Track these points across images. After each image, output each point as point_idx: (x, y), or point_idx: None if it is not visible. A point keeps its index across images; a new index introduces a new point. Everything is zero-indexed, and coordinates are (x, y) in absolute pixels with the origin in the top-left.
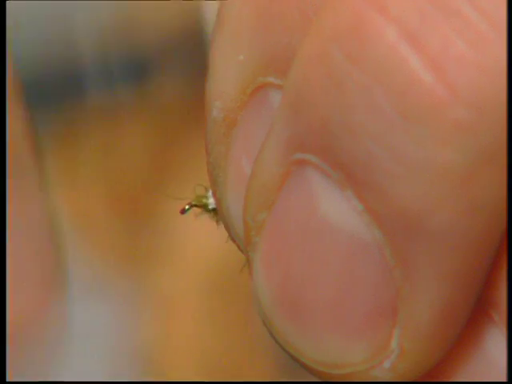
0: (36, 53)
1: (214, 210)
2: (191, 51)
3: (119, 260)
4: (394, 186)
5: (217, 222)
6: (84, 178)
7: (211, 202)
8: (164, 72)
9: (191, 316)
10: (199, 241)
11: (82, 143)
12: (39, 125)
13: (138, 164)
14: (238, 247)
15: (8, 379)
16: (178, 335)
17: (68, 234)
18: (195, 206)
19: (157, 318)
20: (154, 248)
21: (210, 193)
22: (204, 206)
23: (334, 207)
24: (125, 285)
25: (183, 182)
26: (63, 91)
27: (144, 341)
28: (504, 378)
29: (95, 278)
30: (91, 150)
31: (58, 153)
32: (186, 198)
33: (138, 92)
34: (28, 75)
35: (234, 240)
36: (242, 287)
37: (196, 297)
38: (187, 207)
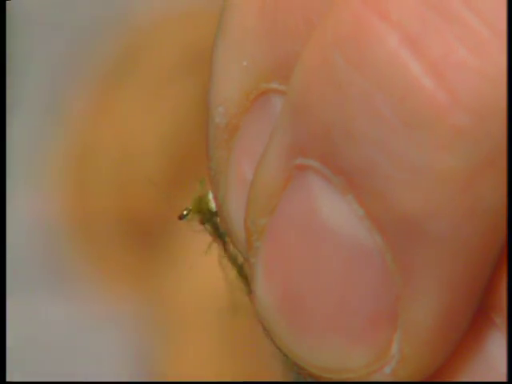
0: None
1: (214, 214)
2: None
3: (130, 278)
4: (394, 191)
5: (215, 229)
6: (94, 190)
7: (211, 205)
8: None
9: (203, 334)
10: (212, 260)
11: (95, 153)
12: (51, 125)
13: (151, 177)
14: (240, 253)
15: (8, 379)
16: (190, 353)
17: (76, 249)
18: (193, 211)
19: (168, 337)
20: (166, 261)
21: (210, 195)
22: (202, 211)
23: (335, 212)
24: (135, 304)
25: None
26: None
27: (155, 359)
28: (504, 380)
29: (104, 296)
30: (102, 161)
31: (69, 165)
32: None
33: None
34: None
35: (235, 245)
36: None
37: (208, 315)
38: (185, 213)
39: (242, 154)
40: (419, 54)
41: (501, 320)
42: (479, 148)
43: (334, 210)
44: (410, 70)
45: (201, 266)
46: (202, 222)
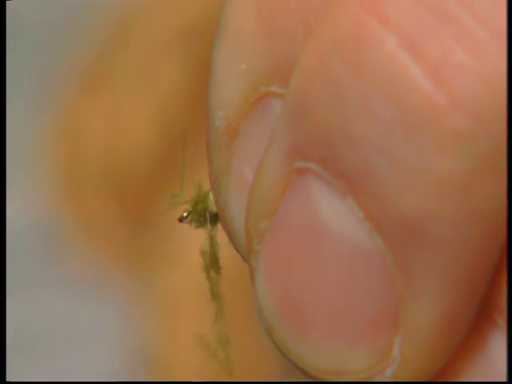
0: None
1: (214, 216)
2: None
3: (123, 259)
4: (394, 193)
5: (213, 228)
6: (88, 176)
7: (212, 206)
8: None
9: (195, 316)
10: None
11: (85, 141)
12: (40, 121)
13: (144, 162)
14: (241, 256)
15: (8, 379)
16: (182, 335)
17: (71, 232)
18: (193, 212)
19: (160, 318)
20: (159, 247)
21: (210, 197)
22: (202, 213)
23: (335, 215)
24: (128, 284)
25: (188, 181)
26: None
27: (147, 340)
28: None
29: (99, 277)
30: (95, 147)
31: (60, 150)
32: (186, 202)
33: (142, 88)
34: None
35: (237, 249)
36: (248, 288)
37: (201, 297)
38: (185, 214)
39: (242, 157)
40: (417, 56)
41: (503, 320)
42: (478, 149)
43: (334, 212)
44: (408, 73)
45: (196, 250)
46: (202, 224)
